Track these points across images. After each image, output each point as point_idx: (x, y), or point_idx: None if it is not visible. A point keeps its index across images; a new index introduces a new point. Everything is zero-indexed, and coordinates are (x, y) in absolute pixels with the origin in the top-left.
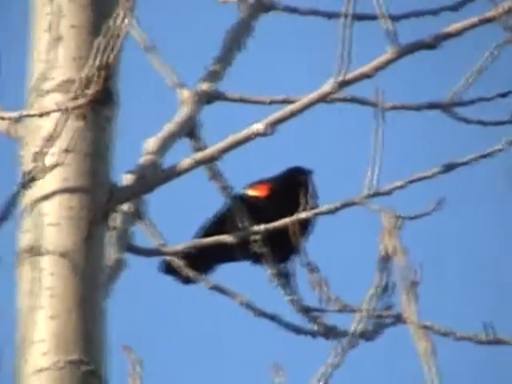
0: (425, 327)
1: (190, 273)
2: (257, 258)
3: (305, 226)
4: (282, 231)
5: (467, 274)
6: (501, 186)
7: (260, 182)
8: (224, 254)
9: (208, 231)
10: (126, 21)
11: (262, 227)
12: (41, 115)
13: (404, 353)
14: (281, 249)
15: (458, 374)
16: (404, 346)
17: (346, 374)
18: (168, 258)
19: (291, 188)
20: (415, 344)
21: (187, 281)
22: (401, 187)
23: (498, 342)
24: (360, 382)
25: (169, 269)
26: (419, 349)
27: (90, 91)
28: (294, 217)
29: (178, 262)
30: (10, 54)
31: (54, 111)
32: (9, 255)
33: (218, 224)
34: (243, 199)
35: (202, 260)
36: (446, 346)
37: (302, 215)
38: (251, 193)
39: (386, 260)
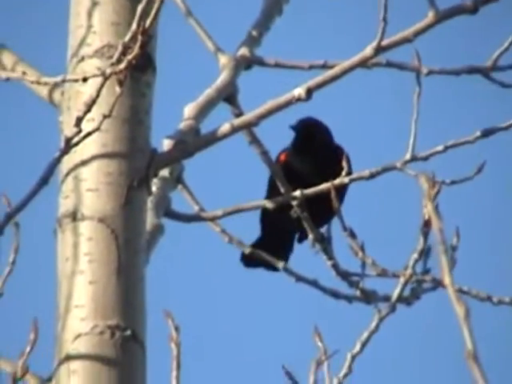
0: (462, 292)
1: (227, 237)
2: (297, 224)
3: (341, 190)
4: (320, 196)
5: (506, 239)
6: None
7: (280, 154)
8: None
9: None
10: None
11: (299, 193)
12: (84, 80)
13: (442, 318)
14: (319, 213)
15: (494, 338)
16: (441, 311)
17: (383, 339)
18: (246, 251)
19: (301, 146)
20: (452, 308)
21: (275, 268)
22: (440, 152)
23: None
24: (397, 346)
25: (251, 262)
26: (456, 313)
27: (129, 57)
28: (331, 182)
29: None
30: (49, 19)
31: (94, 76)
32: (51, 220)
33: (269, 191)
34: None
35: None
36: (484, 311)
37: (340, 180)
38: (279, 160)
39: (427, 225)
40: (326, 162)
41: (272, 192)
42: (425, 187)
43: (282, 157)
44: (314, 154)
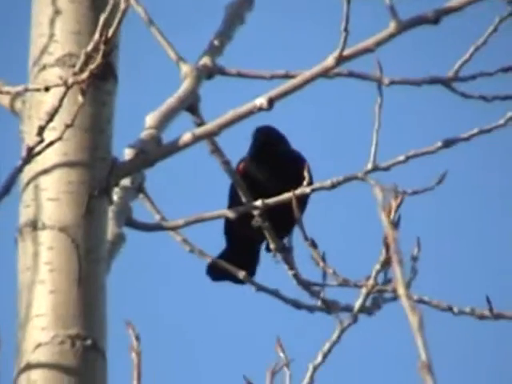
0: (423, 302)
1: (189, 247)
2: (258, 233)
3: (303, 199)
4: (281, 206)
5: (468, 249)
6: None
7: (239, 163)
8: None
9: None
10: None
11: (260, 202)
12: (46, 89)
13: (403, 328)
14: (281, 223)
15: (457, 349)
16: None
17: (344, 349)
18: (212, 261)
19: (259, 154)
20: (407, 317)
21: (240, 281)
22: (401, 162)
23: (498, 316)
24: (359, 356)
25: (218, 274)
26: (411, 322)
27: (91, 66)
28: (292, 192)
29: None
30: (11, 28)
31: (56, 86)
32: (11, 230)
33: (231, 201)
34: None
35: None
36: (445, 321)
37: (301, 190)
38: (238, 170)
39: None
40: (284, 170)
41: (234, 201)
42: (380, 198)
43: (241, 166)
44: (271, 161)
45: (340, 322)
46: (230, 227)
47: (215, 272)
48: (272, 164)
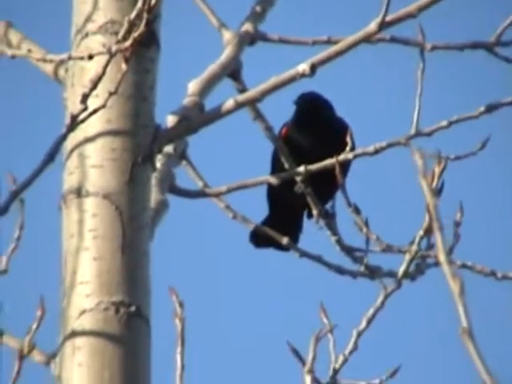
0: (466, 267)
1: (232, 213)
2: (301, 199)
3: (345, 165)
4: (324, 172)
5: (511, 214)
6: None
7: (282, 128)
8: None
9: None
10: None
11: (303, 168)
12: (90, 57)
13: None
14: (323, 189)
15: (501, 314)
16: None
17: (388, 315)
18: (255, 228)
19: (303, 120)
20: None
21: (283, 247)
22: (444, 127)
23: None
24: (403, 322)
25: (261, 241)
26: (452, 288)
27: (135, 34)
28: (335, 157)
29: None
30: None
31: (100, 54)
32: (56, 197)
33: (273, 167)
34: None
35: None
36: (489, 287)
37: (345, 156)
38: (280, 135)
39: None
40: (327, 136)
41: (276, 168)
42: (420, 164)
43: (283, 131)
44: (314, 127)
45: (384, 287)
46: (273, 193)
47: (258, 239)
48: (315, 130)
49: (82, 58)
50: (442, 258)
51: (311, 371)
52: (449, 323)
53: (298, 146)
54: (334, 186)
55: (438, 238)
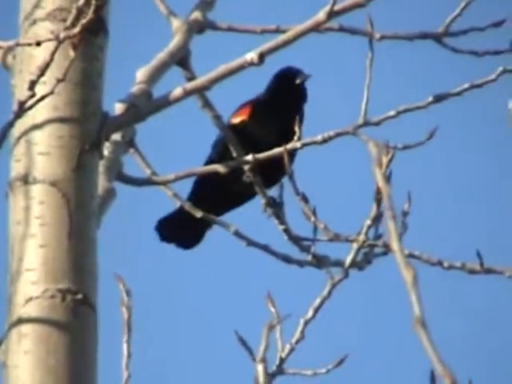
0: (413, 256)
1: (181, 201)
2: (249, 188)
3: (293, 153)
4: (273, 160)
5: (458, 204)
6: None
7: (243, 105)
8: (220, 191)
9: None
10: None
11: (251, 157)
12: (38, 44)
13: (393, 282)
14: (272, 177)
15: (447, 303)
16: (393, 276)
17: (335, 304)
18: (161, 221)
19: (278, 96)
20: (400, 272)
21: (187, 245)
22: (392, 117)
23: (488, 271)
24: (350, 311)
25: (167, 233)
26: (404, 278)
27: (83, 21)
28: (283, 147)
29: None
30: None
31: (48, 40)
32: (2, 184)
33: (214, 157)
34: (231, 129)
35: (207, 205)
36: (437, 276)
37: (292, 145)
38: (235, 120)
39: (380, 191)
40: (292, 124)
41: (223, 156)
42: (374, 153)
43: (246, 111)
44: (289, 108)
45: (331, 277)
46: (219, 182)
47: (164, 232)
48: (286, 111)
49: (30, 45)
50: (394, 246)
51: (263, 361)
52: (396, 313)
53: (263, 124)
54: (283, 174)
55: (390, 226)
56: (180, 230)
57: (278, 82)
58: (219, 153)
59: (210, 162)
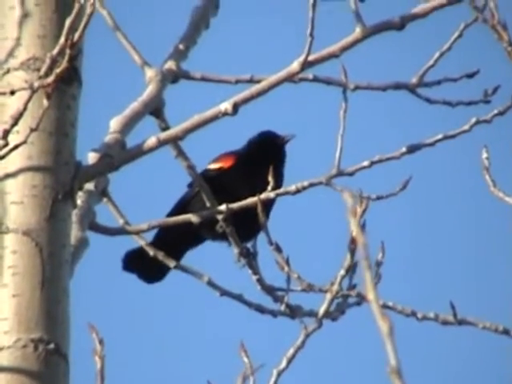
0: (387, 307)
1: (154, 252)
2: (222, 238)
3: (268, 203)
4: (247, 210)
5: (431, 254)
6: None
7: (223, 155)
8: (190, 237)
9: (175, 213)
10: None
11: (224, 207)
12: (11, 93)
13: (367, 333)
14: (245, 227)
15: (421, 354)
16: (367, 326)
17: (309, 354)
18: (130, 251)
19: (257, 154)
20: (376, 323)
21: (150, 280)
22: (366, 167)
23: (461, 322)
24: (324, 361)
25: (131, 265)
26: (380, 328)
27: (57, 70)
28: (258, 196)
29: (142, 250)
30: None
31: (22, 89)
32: None
33: (184, 205)
34: (208, 174)
35: (170, 245)
36: (410, 327)
37: (266, 195)
38: (214, 166)
39: (354, 241)
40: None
41: (195, 206)
42: (349, 203)
43: (229, 160)
44: (265, 165)
45: (304, 327)
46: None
47: (131, 264)
48: (264, 170)
49: (3, 94)
50: (371, 296)
51: None
52: (369, 362)
53: (240, 180)
54: (257, 224)
55: (367, 276)
56: (143, 265)
57: (260, 142)
58: (186, 202)
59: (183, 200)
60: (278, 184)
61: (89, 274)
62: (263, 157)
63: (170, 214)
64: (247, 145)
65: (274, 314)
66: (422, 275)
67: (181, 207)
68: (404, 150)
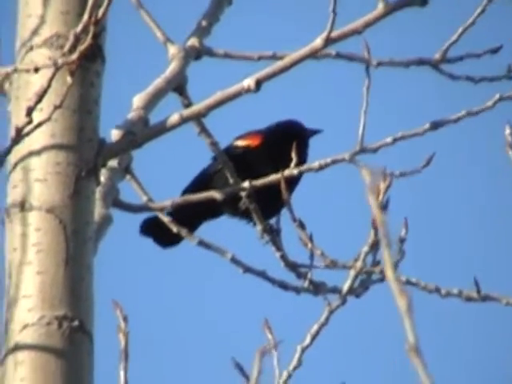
0: (410, 283)
1: (177, 228)
2: (244, 214)
3: (292, 181)
4: (270, 187)
5: (455, 231)
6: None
7: (250, 133)
8: (209, 211)
9: (195, 188)
10: None
11: (247, 184)
12: (35, 70)
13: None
14: (269, 204)
15: (444, 331)
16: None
17: (332, 330)
18: (148, 218)
19: (283, 139)
20: (395, 300)
21: (166, 244)
22: (389, 144)
23: (485, 298)
24: (347, 338)
25: (148, 230)
26: (399, 305)
27: (81, 47)
28: (281, 173)
29: (161, 220)
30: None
31: (46, 67)
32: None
33: (206, 180)
34: (232, 151)
35: (187, 217)
36: (435, 303)
37: (290, 172)
38: (241, 143)
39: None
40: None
41: (218, 182)
42: (368, 180)
43: (256, 139)
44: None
45: (328, 303)
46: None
47: (149, 227)
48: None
49: (27, 71)
50: (389, 274)
51: None
52: (392, 339)
53: (268, 156)
54: (280, 201)
55: (385, 254)
56: (159, 231)
57: (287, 128)
58: (207, 178)
59: (204, 175)
60: (302, 163)
61: (112, 250)
62: (289, 141)
63: (191, 187)
64: (274, 127)
65: (297, 290)
66: (446, 251)
67: (203, 182)
68: (427, 126)
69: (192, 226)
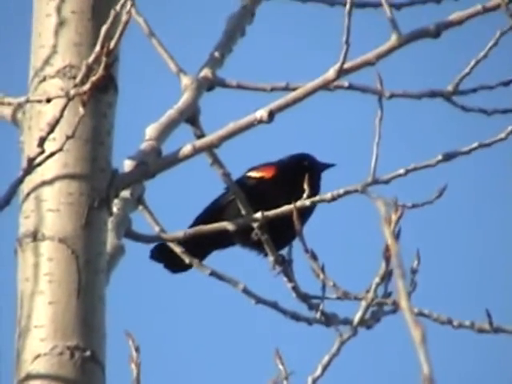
0: (423, 315)
1: (190, 259)
2: (256, 245)
3: (304, 212)
4: (282, 218)
5: (467, 263)
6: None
7: (264, 165)
8: (221, 241)
9: (206, 219)
10: (129, 7)
11: (260, 215)
12: (48, 101)
13: (402, 341)
14: (281, 235)
15: (455, 362)
16: (402, 334)
17: (344, 362)
18: (158, 245)
19: (297, 172)
20: (409, 331)
21: (176, 270)
22: (401, 175)
23: (497, 330)
24: (358, 369)
25: (159, 256)
26: (413, 336)
27: (93, 78)
28: (294, 204)
29: (171, 248)
30: (11, 40)
31: (58, 97)
32: (11, 240)
33: (218, 210)
34: (246, 182)
35: (198, 246)
36: (446, 335)
37: (302, 203)
38: (254, 174)
39: (389, 249)
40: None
41: (230, 213)
42: (382, 211)
43: (270, 170)
44: (300, 186)
45: (339, 334)
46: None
47: (160, 252)
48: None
49: (40, 102)
50: (403, 304)
51: None
52: (403, 370)
53: (282, 189)
54: (292, 232)
55: (399, 284)
56: (170, 257)
57: (300, 161)
58: (218, 209)
59: (216, 205)
60: (314, 195)
61: (125, 281)
62: (302, 173)
63: (203, 216)
64: (287, 160)
65: (309, 321)
66: (458, 283)
67: (214, 211)
68: (440, 158)
69: (203, 255)
